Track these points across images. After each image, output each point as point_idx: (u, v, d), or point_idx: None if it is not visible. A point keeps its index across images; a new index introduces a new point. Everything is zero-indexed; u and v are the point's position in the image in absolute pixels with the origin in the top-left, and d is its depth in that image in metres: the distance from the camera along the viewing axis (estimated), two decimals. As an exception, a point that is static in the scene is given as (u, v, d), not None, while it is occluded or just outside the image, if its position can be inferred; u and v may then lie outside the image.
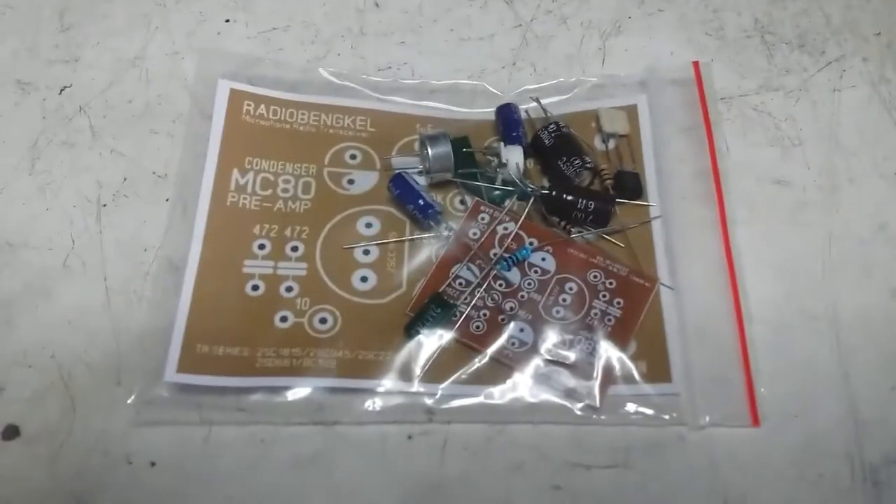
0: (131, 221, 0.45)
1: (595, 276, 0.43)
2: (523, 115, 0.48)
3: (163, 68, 0.51)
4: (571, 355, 0.41)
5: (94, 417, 0.40)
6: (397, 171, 0.45)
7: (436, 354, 0.41)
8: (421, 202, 0.44)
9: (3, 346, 0.42)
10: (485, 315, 0.42)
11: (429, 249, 0.45)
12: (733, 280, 0.43)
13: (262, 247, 0.44)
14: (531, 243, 0.44)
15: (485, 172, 0.46)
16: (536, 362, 0.41)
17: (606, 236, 0.45)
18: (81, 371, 0.41)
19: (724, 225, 0.45)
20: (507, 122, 0.47)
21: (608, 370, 0.41)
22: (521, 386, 0.41)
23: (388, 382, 0.41)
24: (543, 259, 0.44)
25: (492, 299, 0.43)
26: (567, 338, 0.42)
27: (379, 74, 0.51)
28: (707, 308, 0.43)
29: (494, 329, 0.42)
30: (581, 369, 0.41)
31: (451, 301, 0.42)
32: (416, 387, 0.41)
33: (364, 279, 0.44)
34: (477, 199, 0.46)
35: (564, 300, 0.43)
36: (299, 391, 0.40)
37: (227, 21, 0.53)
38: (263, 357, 0.41)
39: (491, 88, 0.50)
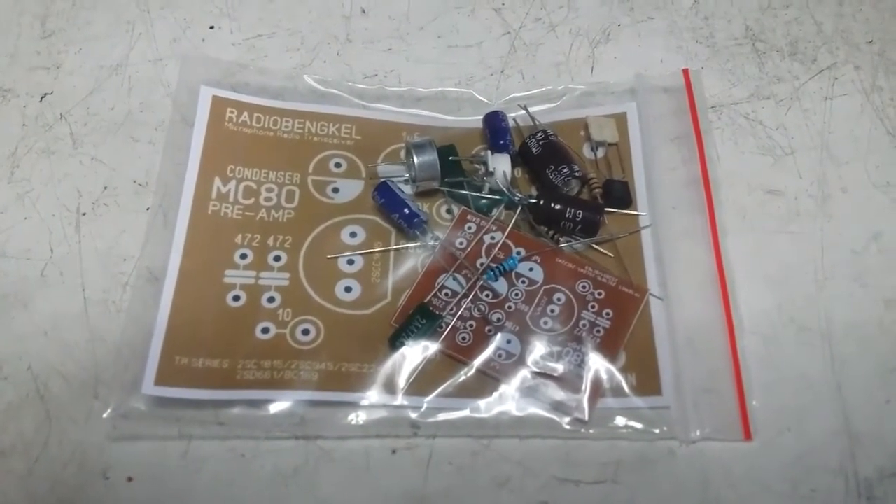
0: (111, 231, 0.45)
1: (584, 287, 0.42)
2: (511, 123, 0.47)
3: (146, 75, 0.50)
4: (559, 367, 0.40)
5: (71, 431, 0.39)
6: (383, 180, 0.45)
7: (421, 367, 0.40)
8: (406, 211, 0.43)
9: (-22, 358, 0.41)
10: (471, 326, 0.42)
11: (414, 259, 0.44)
12: (724, 291, 0.42)
13: (243, 256, 0.43)
14: (519, 253, 0.43)
15: (472, 181, 0.46)
16: (524, 374, 0.40)
17: (595, 246, 0.44)
18: (58, 383, 0.40)
19: (714, 234, 0.44)
20: (495, 130, 0.46)
21: (597, 383, 0.40)
22: (508, 399, 0.40)
23: (371, 395, 0.40)
24: (531, 269, 0.43)
25: (478, 310, 0.42)
26: (555, 349, 0.41)
27: (365, 82, 0.50)
28: (698, 319, 0.42)
29: (481, 340, 0.41)
30: (569, 382, 0.40)
31: (437, 312, 0.42)
32: (400, 400, 0.40)
33: (348, 290, 0.43)
34: (464, 208, 0.45)
35: (552, 311, 0.42)
36: (281, 404, 0.39)
37: (212, 28, 0.52)
38: (244, 369, 0.40)
39: (478, 96, 0.49)
